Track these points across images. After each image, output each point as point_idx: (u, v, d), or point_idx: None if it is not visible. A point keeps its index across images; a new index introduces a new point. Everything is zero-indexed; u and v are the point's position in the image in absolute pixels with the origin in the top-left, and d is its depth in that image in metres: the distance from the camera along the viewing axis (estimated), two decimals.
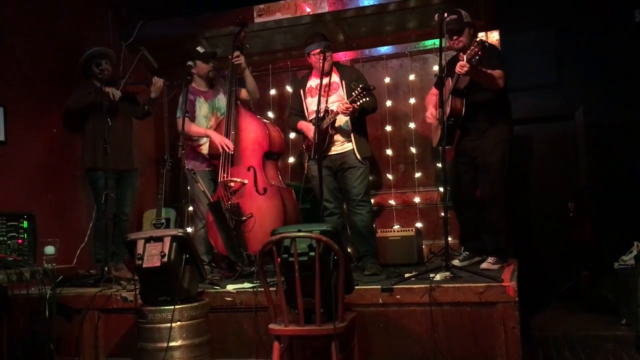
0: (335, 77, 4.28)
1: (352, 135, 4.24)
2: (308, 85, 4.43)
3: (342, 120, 4.23)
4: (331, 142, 4.25)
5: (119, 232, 4.55)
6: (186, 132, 4.28)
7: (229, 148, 4.37)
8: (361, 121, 4.34)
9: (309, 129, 4.22)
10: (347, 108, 4.04)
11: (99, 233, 4.48)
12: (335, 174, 4.32)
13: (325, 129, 4.16)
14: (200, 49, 4.66)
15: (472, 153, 4.16)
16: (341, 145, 4.28)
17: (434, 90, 4.43)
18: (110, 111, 4.36)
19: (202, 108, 4.66)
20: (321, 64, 4.06)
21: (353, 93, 4.05)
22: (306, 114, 4.41)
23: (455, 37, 4.06)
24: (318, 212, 4.10)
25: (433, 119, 4.29)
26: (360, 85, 4.05)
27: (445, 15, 3.82)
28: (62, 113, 4.76)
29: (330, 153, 4.27)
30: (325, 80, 4.20)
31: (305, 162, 4.41)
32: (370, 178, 4.43)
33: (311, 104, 4.33)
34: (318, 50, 4.20)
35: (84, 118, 4.61)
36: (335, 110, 4.13)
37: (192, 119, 4.58)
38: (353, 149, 4.23)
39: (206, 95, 4.70)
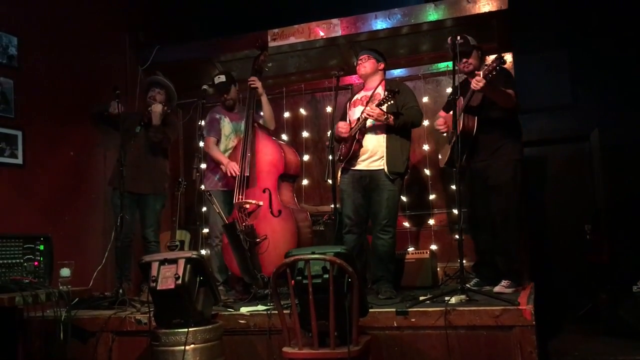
0: (380, 89, 4.26)
1: (385, 149, 4.12)
2: (355, 97, 4.42)
3: (376, 134, 4.16)
4: (359, 150, 4.15)
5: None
6: (207, 151, 4.60)
7: (234, 172, 4.41)
8: (401, 135, 4.19)
9: (339, 125, 4.19)
10: (372, 110, 4.02)
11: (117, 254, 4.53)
12: (365, 191, 4.19)
13: (353, 135, 4.13)
14: (217, 79, 4.72)
15: (483, 173, 4.13)
16: (373, 161, 4.16)
17: (442, 113, 4.47)
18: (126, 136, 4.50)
19: (225, 127, 4.73)
20: (361, 71, 4.29)
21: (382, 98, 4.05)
22: (346, 125, 4.31)
23: (464, 60, 4.10)
24: (332, 234, 4.07)
25: (444, 126, 4.30)
26: (388, 87, 4.07)
27: (458, 38, 3.86)
28: None
29: (359, 167, 4.18)
30: (370, 92, 4.26)
31: (338, 174, 4.27)
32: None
33: (353, 114, 4.32)
34: (360, 57, 4.33)
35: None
36: (364, 116, 4.09)
37: (218, 138, 4.69)
38: (383, 167, 4.10)
39: (231, 116, 4.78)
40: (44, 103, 4.64)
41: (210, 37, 5.70)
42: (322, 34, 5.18)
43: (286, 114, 5.85)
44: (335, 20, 5.14)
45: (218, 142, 4.70)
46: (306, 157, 5.71)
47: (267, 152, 4.47)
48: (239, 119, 4.77)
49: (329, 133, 4.32)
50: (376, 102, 4.10)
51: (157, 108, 4.64)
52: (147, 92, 4.86)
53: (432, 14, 4.89)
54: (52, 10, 4.79)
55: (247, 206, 4.31)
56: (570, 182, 6.50)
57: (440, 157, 4.71)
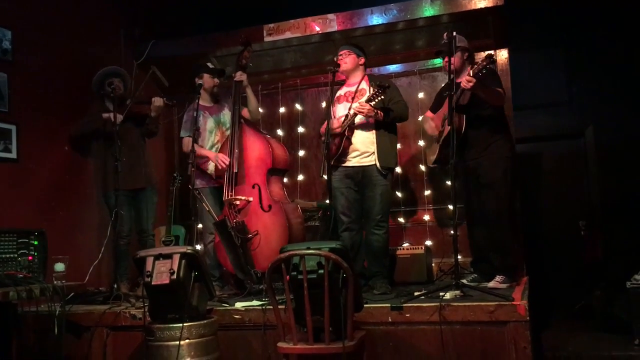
0: (364, 84, 4.26)
1: (375, 145, 4.12)
2: (338, 93, 4.40)
3: (364, 130, 4.15)
4: (349, 147, 4.14)
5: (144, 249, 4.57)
6: (187, 151, 4.44)
7: (224, 163, 4.39)
8: (389, 130, 4.20)
9: (324, 127, 4.15)
10: (362, 106, 4.01)
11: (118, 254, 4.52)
12: (358, 187, 4.19)
13: (342, 132, 4.12)
14: (209, 65, 4.75)
15: (476, 171, 4.16)
16: (364, 157, 4.16)
17: (429, 114, 4.48)
18: (111, 135, 4.38)
19: (207, 123, 4.70)
20: (342, 67, 4.25)
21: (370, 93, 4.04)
22: (334, 121, 4.30)
23: (445, 59, 4.10)
24: (327, 229, 4.06)
25: (436, 129, 4.29)
26: (377, 83, 4.06)
27: (452, 34, 3.86)
28: (69, 137, 4.81)
29: (350, 164, 4.17)
30: (354, 88, 4.25)
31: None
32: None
33: (337, 111, 4.31)
34: (340, 52, 4.30)
35: (93, 141, 4.70)
36: (352, 112, 4.08)
37: (199, 135, 4.63)
38: (375, 162, 4.11)
39: (211, 110, 4.76)
40: (38, 97, 4.61)
41: (205, 32, 5.68)
42: (317, 29, 5.17)
43: (282, 110, 5.84)
44: (331, 16, 5.13)
45: (198, 139, 4.61)
46: (302, 153, 5.70)
47: (255, 148, 4.46)
48: (218, 111, 4.77)
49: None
50: (363, 97, 4.10)
51: (158, 102, 4.61)
52: (102, 82, 4.64)
53: (428, 10, 4.89)
54: (47, 4, 4.75)
55: (237, 203, 4.31)
56: (565, 178, 6.52)
57: (428, 155, 4.72)
